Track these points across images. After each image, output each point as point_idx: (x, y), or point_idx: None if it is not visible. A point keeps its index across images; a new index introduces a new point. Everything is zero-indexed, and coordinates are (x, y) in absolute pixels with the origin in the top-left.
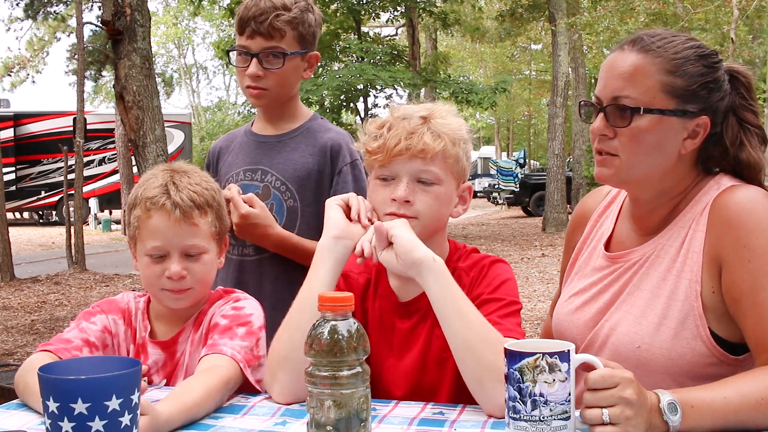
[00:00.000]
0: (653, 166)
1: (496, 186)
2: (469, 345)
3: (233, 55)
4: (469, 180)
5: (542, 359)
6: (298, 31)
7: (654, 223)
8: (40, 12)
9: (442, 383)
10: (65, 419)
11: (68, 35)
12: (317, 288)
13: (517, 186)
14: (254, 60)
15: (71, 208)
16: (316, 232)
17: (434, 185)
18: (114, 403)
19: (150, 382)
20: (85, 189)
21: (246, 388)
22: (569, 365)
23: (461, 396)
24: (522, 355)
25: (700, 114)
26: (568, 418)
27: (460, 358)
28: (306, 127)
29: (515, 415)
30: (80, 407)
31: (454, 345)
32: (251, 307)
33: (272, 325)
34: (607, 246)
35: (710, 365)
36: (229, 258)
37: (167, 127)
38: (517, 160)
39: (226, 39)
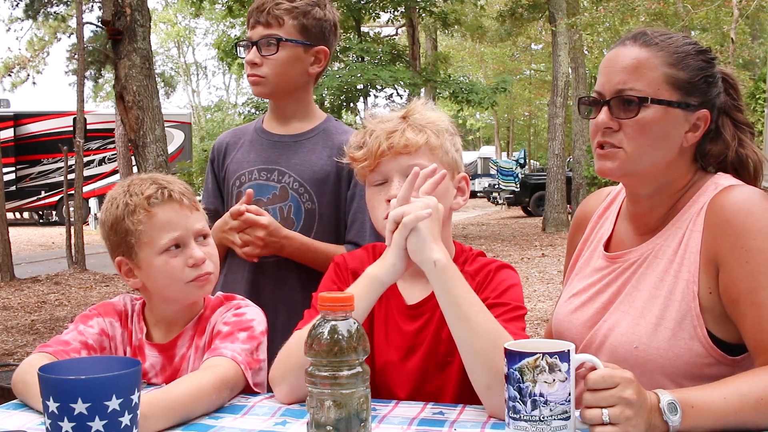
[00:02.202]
0: (657, 157)
1: (496, 186)
2: (478, 351)
3: (240, 50)
4: (469, 180)
5: (542, 359)
6: (299, 21)
7: (652, 221)
8: (40, 12)
9: (446, 386)
10: (65, 419)
11: (68, 35)
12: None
13: (517, 186)
14: (254, 48)
15: (71, 208)
16: (333, 235)
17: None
18: (114, 403)
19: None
20: (85, 189)
21: (245, 390)
22: (569, 365)
23: (465, 399)
24: (522, 355)
25: (700, 107)
26: (568, 418)
27: (469, 363)
28: (322, 128)
29: (515, 415)
30: (80, 407)
31: (463, 351)
32: (252, 313)
33: (290, 327)
34: (607, 246)
35: (708, 366)
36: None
37: (167, 127)
38: (517, 160)
39: (225, 38)
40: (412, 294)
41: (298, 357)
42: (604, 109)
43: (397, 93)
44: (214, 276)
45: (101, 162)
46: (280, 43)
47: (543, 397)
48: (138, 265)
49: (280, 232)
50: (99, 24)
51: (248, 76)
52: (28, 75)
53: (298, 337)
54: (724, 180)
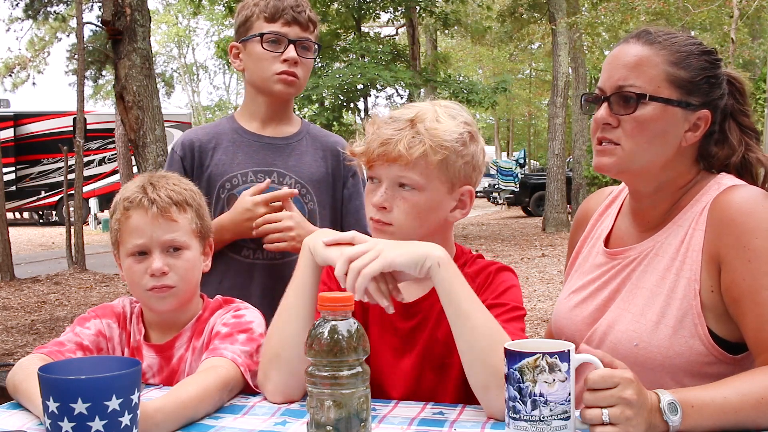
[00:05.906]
0: (654, 155)
1: (496, 186)
2: (476, 349)
3: (254, 44)
4: (474, 194)
5: (542, 359)
6: (318, 30)
7: (654, 218)
8: (41, 12)
9: (444, 389)
10: (65, 419)
11: (68, 35)
12: (299, 286)
13: (517, 186)
14: (292, 46)
15: (71, 208)
16: None
17: (414, 191)
18: (114, 403)
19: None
20: (85, 189)
21: (245, 390)
22: (569, 365)
23: (463, 403)
24: (522, 355)
25: (701, 107)
26: (568, 418)
27: (466, 361)
28: (306, 132)
29: (515, 415)
30: (80, 407)
31: (462, 348)
32: (251, 315)
33: None
34: (607, 242)
35: (708, 364)
36: (252, 263)
37: (167, 127)
38: (517, 160)
39: (227, 38)
40: (408, 292)
41: (275, 353)
42: (604, 105)
43: (398, 93)
44: (178, 289)
45: (101, 162)
46: (318, 49)
47: (543, 397)
48: (120, 260)
49: (307, 225)
50: (99, 24)
51: (284, 73)
52: (29, 75)
53: (271, 334)
54: (727, 180)
